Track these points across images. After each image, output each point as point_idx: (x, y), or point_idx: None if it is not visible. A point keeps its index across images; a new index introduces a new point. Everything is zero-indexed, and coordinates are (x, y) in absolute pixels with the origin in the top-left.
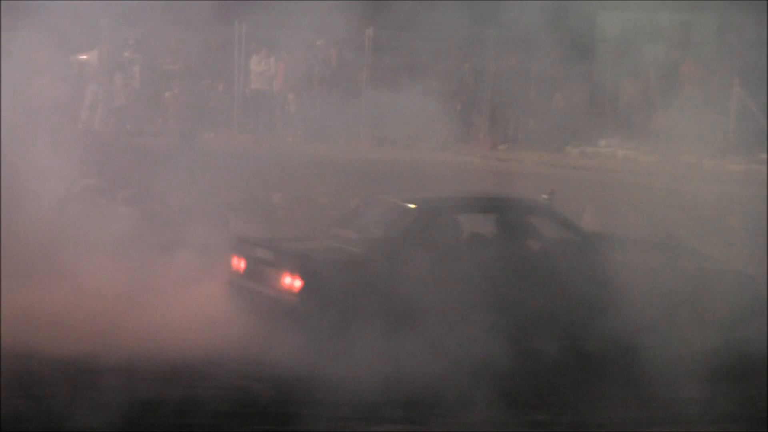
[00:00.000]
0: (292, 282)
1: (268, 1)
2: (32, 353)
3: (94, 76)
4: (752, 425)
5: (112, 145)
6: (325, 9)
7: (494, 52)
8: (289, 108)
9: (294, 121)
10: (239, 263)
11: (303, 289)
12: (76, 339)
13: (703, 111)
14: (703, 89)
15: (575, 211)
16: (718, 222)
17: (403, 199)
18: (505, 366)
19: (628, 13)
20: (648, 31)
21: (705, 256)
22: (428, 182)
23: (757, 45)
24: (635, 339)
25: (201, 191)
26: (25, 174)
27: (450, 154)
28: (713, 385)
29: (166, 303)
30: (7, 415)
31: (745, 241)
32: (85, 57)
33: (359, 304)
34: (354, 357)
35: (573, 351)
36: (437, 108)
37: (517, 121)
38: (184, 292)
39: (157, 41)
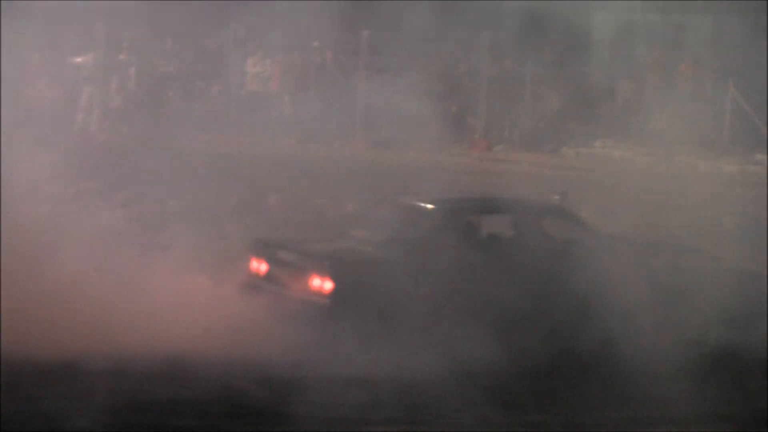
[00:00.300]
0: (322, 284)
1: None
2: (32, 354)
3: (89, 78)
4: (752, 425)
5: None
6: (320, 11)
7: (490, 54)
8: (284, 110)
9: (289, 123)
10: (259, 265)
11: (334, 291)
12: (96, 342)
13: (699, 112)
14: (699, 91)
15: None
16: (713, 222)
17: (420, 200)
18: (530, 365)
19: (623, 14)
20: (643, 33)
21: (712, 255)
22: (424, 184)
23: (751, 47)
24: (634, 339)
25: (197, 193)
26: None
27: (445, 156)
28: (713, 385)
29: (184, 306)
30: (7, 415)
31: (741, 242)
32: (80, 59)
33: (390, 306)
34: (384, 358)
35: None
36: (432, 110)
37: (513, 122)
38: (202, 295)
39: (152, 44)
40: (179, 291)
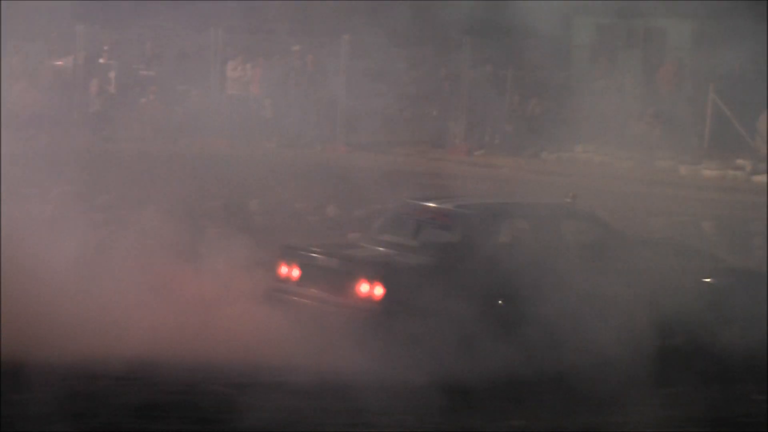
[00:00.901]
0: (372, 289)
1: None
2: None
3: (69, 81)
4: (752, 425)
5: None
6: (301, 14)
7: (470, 58)
8: (264, 113)
9: (269, 126)
10: (290, 271)
11: (385, 297)
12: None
13: (679, 117)
14: (679, 95)
15: None
16: (693, 227)
17: (445, 203)
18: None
19: (603, 18)
20: (624, 37)
21: (715, 256)
22: (405, 188)
23: (732, 51)
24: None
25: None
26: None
27: (426, 160)
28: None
29: (213, 313)
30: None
31: (720, 246)
32: (60, 62)
33: (440, 310)
34: (437, 363)
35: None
36: (413, 114)
37: (494, 126)
38: (229, 302)
39: (132, 47)
40: (203, 295)
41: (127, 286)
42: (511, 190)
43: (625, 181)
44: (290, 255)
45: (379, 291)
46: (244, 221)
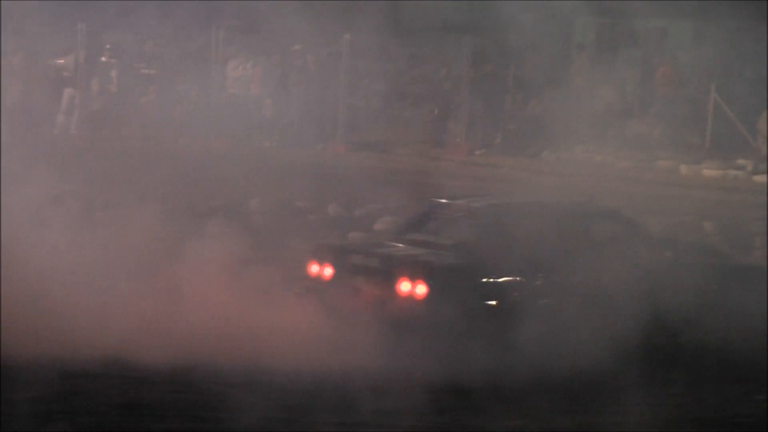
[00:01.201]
0: (414, 288)
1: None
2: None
3: (70, 80)
4: (752, 425)
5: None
6: (302, 14)
7: (471, 58)
8: (265, 112)
9: (270, 126)
10: (322, 270)
11: (429, 296)
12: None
13: (680, 117)
14: (680, 95)
15: None
16: (695, 227)
17: (473, 202)
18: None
19: (605, 18)
20: (625, 37)
21: (723, 252)
22: (405, 187)
23: (733, 51)
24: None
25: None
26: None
27: (427, 159)
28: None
29: (246, 311)
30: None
31: (724, 246)
32: (61, 61)
33: (481, 309)
34: (482, 362)
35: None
36: (414, 113)
37: (494, 126)
38: (260, 301)
39: (133, 46)
40: (252, 299)
41: (127, 285)
42: (515, 190)
43: (625, 181)
44: (322, 254)
45: (421, 290)
46: (244, 220)
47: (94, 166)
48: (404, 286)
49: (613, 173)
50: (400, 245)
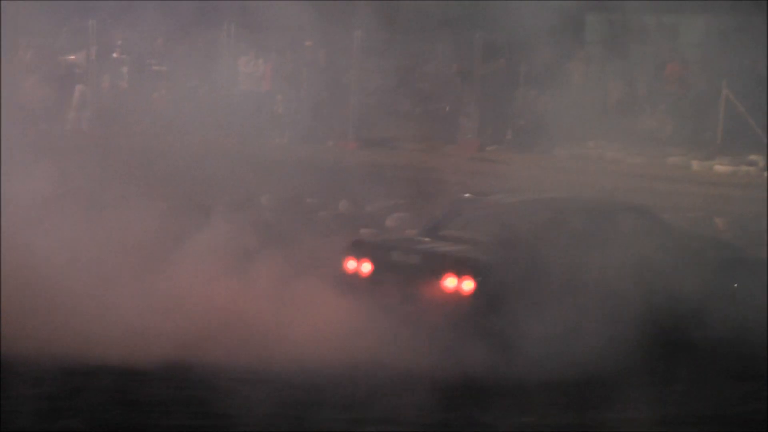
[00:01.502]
0: (460, 284)
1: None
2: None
3: (81, 76)
4: (752, 425)
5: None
6: (313, 11)
7: (482, 54)
8: (276, 109)
9: (281, 122)
10: (360, 266)
11: (476, 291)
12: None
13: (692, 113)
14: (691, 91)
15: None
16: (706, 223)
17: (511, 198)
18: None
19: (615, 14)
20: (636, 33)
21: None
22: (415, 184)
23: (745, 47)
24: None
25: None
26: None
27: (437, 156)
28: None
29: (285, 309)
30: (8, 415)
31: (736, 242)
32: (73, 58)
33: (527, 305)
34: (528, 357)
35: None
36: (424, 110)
37: (505, 122)
38: (296, 297)
39: (144, 43)
40: (290, 295)
41: (136, 281)
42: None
43: (637, 177)
44: (360, 250)
45: (468, 285)
46: (254, 216)
47: (105, 162)
48: (450, 282)
49: (624, 169)
50: (440, 241)
